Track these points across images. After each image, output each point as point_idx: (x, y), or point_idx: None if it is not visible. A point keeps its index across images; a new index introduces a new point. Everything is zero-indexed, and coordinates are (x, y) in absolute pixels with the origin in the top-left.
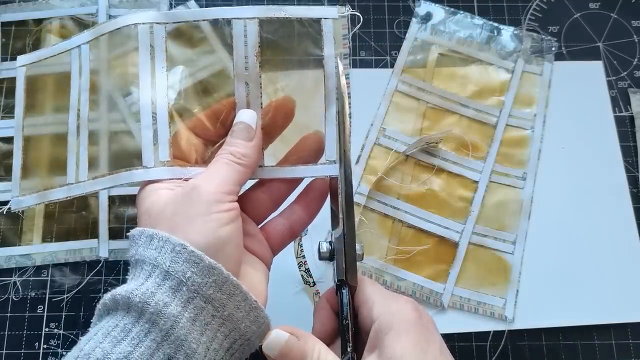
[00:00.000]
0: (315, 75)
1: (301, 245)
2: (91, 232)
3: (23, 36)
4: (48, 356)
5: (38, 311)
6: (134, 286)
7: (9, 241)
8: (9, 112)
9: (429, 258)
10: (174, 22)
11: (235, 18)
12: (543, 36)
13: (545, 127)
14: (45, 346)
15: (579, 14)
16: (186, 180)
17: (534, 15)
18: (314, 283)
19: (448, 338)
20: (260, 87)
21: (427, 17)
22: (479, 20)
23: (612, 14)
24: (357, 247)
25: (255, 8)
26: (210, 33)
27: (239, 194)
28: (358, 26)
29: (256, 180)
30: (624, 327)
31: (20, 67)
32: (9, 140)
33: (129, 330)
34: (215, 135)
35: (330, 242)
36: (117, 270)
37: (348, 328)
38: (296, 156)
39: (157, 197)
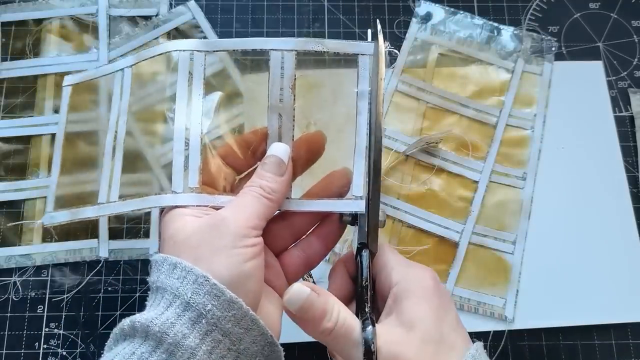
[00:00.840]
0: (348, 110)
1: None
2: (91, 232)
3: (23, 36)
4: (48, 356)
5: (38, 311)
6: (154, 315)
7: (9, 241)
8: (9, 112)
9: (429, 258)
10: (214, 51)
11: (273, 49)
12: (543, 36)
13: (545, 127)
14: (45, 346)
15: (579, 14)
16: (213, 208)
17: (534, 15)
18: (314, 283)
19: None
20: (293, 120)
21: (427, 17)
22: (479, 20)
23: (612, 14)
24: (380, 213)
25: (294, 40)
26: (209, 33)
27: None
28: (395, 63)
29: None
30: (624, 327)
31: (65, 87)
32: (9, 140)
33: (145, 359)
34: (244, 164)
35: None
36: (117, 270)
37: (367, 289)
38: (322, 190)
39: (184, 224)
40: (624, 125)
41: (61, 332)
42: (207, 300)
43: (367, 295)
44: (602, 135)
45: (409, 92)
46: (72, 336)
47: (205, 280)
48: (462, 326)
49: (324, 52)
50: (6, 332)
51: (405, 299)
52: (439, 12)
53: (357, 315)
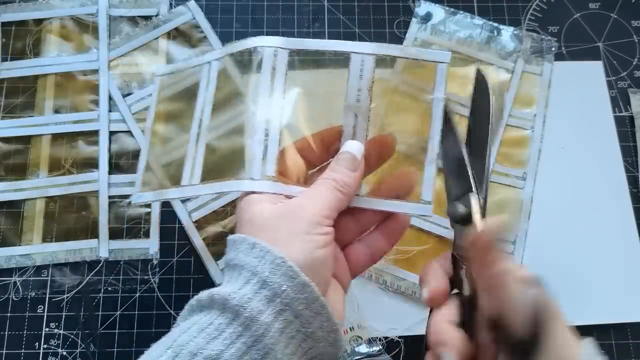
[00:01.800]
0: (422, 116)
1: None
2: (91, 232)
3: (23, 36)
4: (48, 356)
5: (38, 311)
6: (231, 289)
7: (9, 241)
8: (9, 112)
9: (429, 258)
10: (297, 49)
11: (353, 52)
12: (543, 36)
13: (545, 127)
14: (45, 346)
15: (579, 14)
16: (287, 197)
17: (533, 15)
18: None
19: None
20: (369, 121)
21: (427, 17)
22: (479, 21)
23: (612, 14)
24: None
25: (374, 45)
26: (210, 33)
27: None
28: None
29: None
30: (624, 327)
31: (156, 77)
32: (9, 140)
33: (222, 330)
34: (318, 158)
35: (466, 205)
36: (117, 270)
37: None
38: (387, 189)
39: (262, 209)
40: (624, 125)
41: (61, 332)
42: (283, 281)
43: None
44: (602, 135)
45: (409, 92)
46: (72, 336)
47: (282, 262)
48: None
49: (402, 57)
50: (6, 332)
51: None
52: (439, 12)
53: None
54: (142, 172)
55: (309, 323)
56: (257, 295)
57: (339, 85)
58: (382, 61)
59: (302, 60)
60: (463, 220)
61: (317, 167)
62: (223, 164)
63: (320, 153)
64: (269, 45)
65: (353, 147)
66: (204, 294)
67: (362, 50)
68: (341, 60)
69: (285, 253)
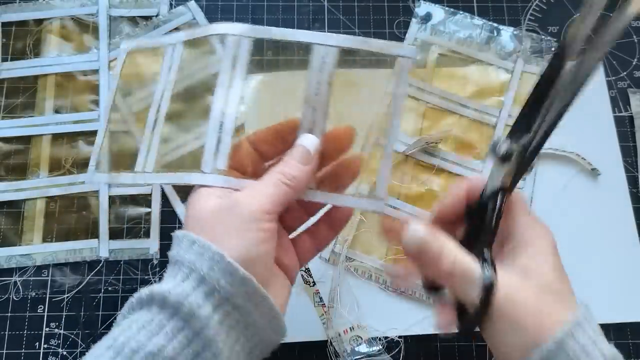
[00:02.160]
0: (381, 111)
1: None
2: (91, 232)
3: (23, 36)
4: (48, 356)
5: (38, 311)
6: (171, 285)
7: (9, 241)
8: (9, 112)
9: None
10: (260, 37)
11: (317, 44)
12: (543, 36)
13: None
14: (45, 346)
15: (578, 14)
16: (236, 191)
17: (533, 15)
18: (314, 283)
19: (448, 338)
20: (327, 115)
21: (427, 18)
22: (478, 21)
23: (612, 14)
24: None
25: (339, 37)
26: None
27: None
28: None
29: None
30: (623, 327)
31: (123, 48)
32: (9, 140)
33: (163, 325)
34: (273, 151)
35: (511, 141)
36: (117, 270)
37: (491, 233)
38: (332, 176)
39: (206, 204)
40: (624, 125)
41: (61, 332)
42: (221, 276)
43: (488, 239)
44: (602, 135)
45: (409, 92)
46: (72, 336)
47: (221, 258)
48: (572, 290)
49: (365, 50)
50: (6, 332)
51: (525, 249)
52: (438, 13)
53: (473, 245)
54: (97, 152)
55: (249, 313)
56: (196, 291)
57: (300, 78)
58: (383, 62)
59: (263, 61)
60: (503, 159)
61: (273, 160)
62: (186, 155)
63: (276, 146)
64: (233, 34)
65: (307, 141)
66: (143, 292)
67: (326, 42)
68: (304, 53)
69: (223, 248)
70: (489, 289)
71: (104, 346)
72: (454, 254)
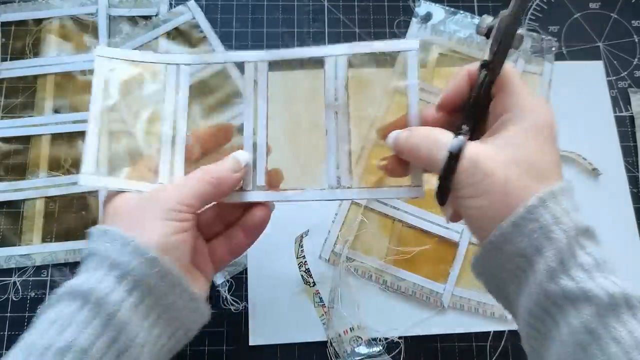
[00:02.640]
0: (399, 103)
1: (301, 246)
2: None
3: (23, 36)
4: None
5: (38, 311)
6: (84, 277)
7: (9, 241)
8: (9, 112)
9: (429, 258)
10: (275, 59)
11: (327, 56)
12: (543, 36)
13: None
14: None
15: (579, 14)
16: None
17: (534, 15)
18: (314, 283)
19: (448, 338)
20: (349, 116)
21: (427, 17)
22: (478, 20)
23: (612, 14)
24: (521, 31)
25: (345, 45)
26: (210, 33)
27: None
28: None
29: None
30: None
31: (101, 58)
32: (9, 140)
33: (74, 316)
34: (212, 148)
35: (493, 18)
36: None
37: (471, 108)
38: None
39: (122, 199)
40: (624, 125)
41: None
42: (131, 259)
43: (469, 112)
44: (602, 135)
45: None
46: None
47: (131, 241)
48: (560, 167)
49: (373, 53)
50: (6, 332)
51: (514, 124)
52: (439, 12)
53: (459, 126)
54: (94, 152)
55: (166, 295)
56: (107, 277)
57: (317, 86)
58: (384, 61)
59: (278, 61)
60: (485, 34)
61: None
62: None
63: (214, 143)
64: (249, 60)
65: (242, 156)
66: (59, 289)
67: (335, 53)
68: (317, 63)
69: (139, 236)
70: (452, 155)
71: (17, 348)
72: (424, 132)
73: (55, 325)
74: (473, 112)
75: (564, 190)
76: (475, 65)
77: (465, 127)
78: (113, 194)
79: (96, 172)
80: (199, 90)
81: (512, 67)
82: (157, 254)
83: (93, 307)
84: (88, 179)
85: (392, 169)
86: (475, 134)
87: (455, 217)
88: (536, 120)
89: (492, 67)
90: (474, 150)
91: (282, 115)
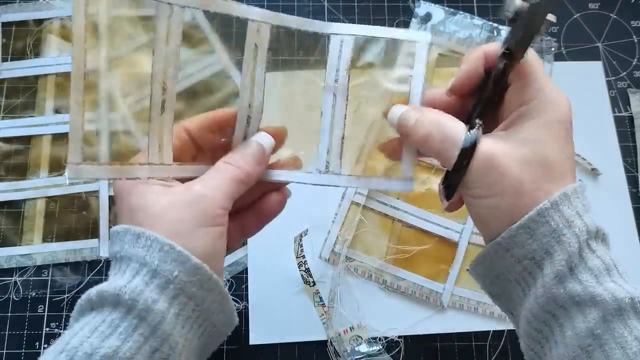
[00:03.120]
0: (400, 91)
1: (301, 245)
2: (91, 232)
3: (23, 36)
4: None
5: (38, 311)
6: (122, 283)
7: (9, 241)
8: (9, 112)
9: (428, 258)
10: (279, 25)
11: (333, 34)
12: (543, 36)
13: None
14: (45, 346)
15: (578, 14)
16: (177, 179)
17: None
18: (314, 283)
19: (448, 338)
20: (347, 100)
21: (427, 18)
22: (478, 21)
23: (611, 14)
24: (550, 16)
25: (355, 26)
26: (210, 33)
27: None
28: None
29: None
30: None
31: None
32: (9, 140)
33: (117, 325)
34: (207, 140)
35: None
36: None
37: (487, 101)
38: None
39: (157, 197)
40: (624, 125)
41: (62, 332)
42: (174, 267)
43: (482, 107)
44: (601, 135)
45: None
46: None
47: (171, 248)
48: (574, 166)
49: (381, 38)
50: (6, 332)
51: (531, 118)
52: (438, 13)
53: (470, 117)
54: (80, 135)
55: (203, 300)
56: (149, 286)
57: (317, 74)
58: (392, 52)
59: (279, 61)
60: (512, 19)
61: (211, 149)
62: None
63: (211, 135)
64: (253, 19)
65: (266, 141)
66: (92, 292)
67: (343, 31)
68: (320, 45)
69: (186, 245)
70: (465, 152)
71: (56, 351)
72: (435, 119)
73: (97, 332)
74: (488, 101)
75: (577, 191)
76: (492, 46)
77: (479, 121)
78: (129, 186)
79: (86, 161)
80: (198, 91)
81: (533, 53)
82: (199, 261)
83: (137, 316)
84: (77, 170)
85: (394, 151)
86: (487, 123)
87: (452, 207)
88: (557, 115)
89: (514, 54)
90: (489, 147)
91: (278, 92)
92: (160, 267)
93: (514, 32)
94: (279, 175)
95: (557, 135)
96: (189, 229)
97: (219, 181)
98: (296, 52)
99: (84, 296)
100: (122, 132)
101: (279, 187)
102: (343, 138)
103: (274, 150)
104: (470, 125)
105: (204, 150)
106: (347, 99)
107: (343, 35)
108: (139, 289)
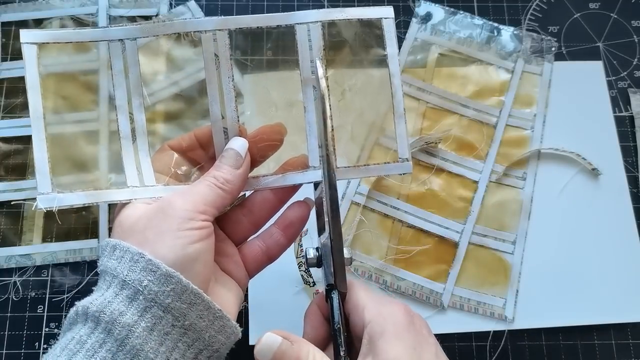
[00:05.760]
0: (381, 74)
1: (301, 246)
2: (91, 232)
3: None
4: None
5: (38, 311)
6: (94, 297)
7: (9, 241)
8: (9, 112)
9: (429, 258)
10: (237, 28)
11: (297, 23)
12: (543, 36)
13: (545, 127)
14: (45, 346)
15: (579, 14)
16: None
17: (533, 15)
18: (314, 283)
19: (448, 338)
20: (328, 90)
21: (427, 17)
22: (478, 21)
23: (612, 14)
24: (346, 251)
25: (317, 12)
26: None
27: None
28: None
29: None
30: (624, 327)
31: (28, 45)
32: (9, 140)
33: (84, 341)
34: (197, 157)
35: (317, 248)
36: None
37: (340, 332)
38: (259, 146)
39: (133, 210)
40: (624, 125)
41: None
42: (143, 276)
43: (340, 339)
44: (602, 135)
45: (409, 92)
46: None
47: (141, 257)
48: (443, 357)
49: (348, 20)
50: (6, 332)
51: (380, 339)
52: (439, 12)
53: (335, 357)
54: (47, 167)
55: (184, 315)
56: (118, 297)
57: (292, 72)
58: (370, 33)
59: (263, 61)
60: (316, 264)
61: (198, 166)
62: None
63: (198, 151)
64: (206, 30)
65: (237, 144)
66: (71, 310)
67: (306, 20)
68: (288, 37)
69: (153, 252)
70: None
71: None
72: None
73: (66, 350)
74: (343, 338)
75: None
76: (319, 296)
77: (343, 354)
78: (121, 205)
79: (56, 189)
80: (198, 89)
81: (353, 282)
82: (171, 269)
83: (103, 331)
84: (47, 199)
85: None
86: (350, 344)
87: None
88: (397, 325)
89: (336, 285)
90: None
91: (252, 96)
92: (129, 276)
93: (326, 272)
94: (273, 182)
95: (409, 346)
96: (155, 235)
97: (192, 189)
98: (265, 52)
99: (69, 311)
100: (89, 159)
101: (292, 192)
102: (332, 130)
103: (272, 149)
104: None
105: (203, 165)
106: (328, 89)
107: (308, 23)
108: (107, 301)
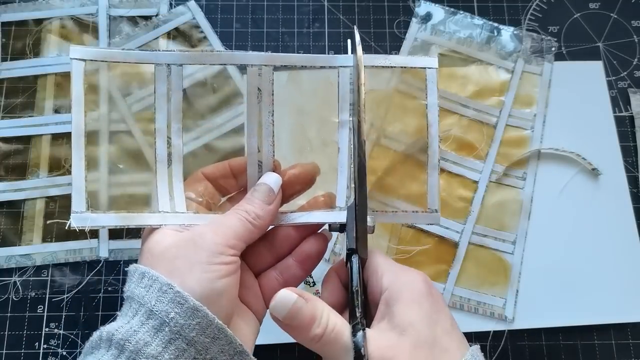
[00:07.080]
0: (421, 116)
1: None
2: (91, 232)
3: (23, 36)
4: (48, 356)
5: (38, 311)
6: (120, 324)
7: (9, 241)
8: (9, 112)
9: (429, 258)
10: (281, 65)
11: (342, 66)
12: (543, 36)
13: (545, 127)
14: (45, 346)
15: (579, 14)
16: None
17: (534, 15)
18: (314, 283)
19: None
20: (364, 135)
21: (427, 17)
22: (478, 21)
23: (612, 14)
24: (369, 219)
25: (363, 57)
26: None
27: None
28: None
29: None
30: (624, 327)
31: (77, 61)
32: (9, 140)
33: None
34: (228, 185)
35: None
36: (117, 270)
37: (357, 295)
38: (290, 186)
39: (163, 237)
40: (624, 125)
41: (61, 332)
42: (170, 308)
43: (357, 301)
44: (602, 135)
45: (409, 92)
46: (72, 336)
47: (170, 288)
48: (457, 330)
49: (391, 67)
50: (6, 332)
51: (397, 304)
52: (439, 12)
53: (349, 322)
54: (84, 186)
55: (206, 349)
56: (144, 327)
57: (328, 94)
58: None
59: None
60: (340, 229)
61: (230, 195)
62: None
63: (230, 180)
64: (252, 64)
65: (271, 180)
66: (95, 333)
67: (350, 64)
68: (331, 77)
69: (182, 284)
70: (359, 354)
71: None
72: (326, 319)
73: None
74: (360, 300)
75: None
76: (339, 262)
77: (359, 314)
78: (150, 230)
79: (90, 209)
80: (198, 91)
81: (374, 249)
82: (199, 303)
83: (127, 359)
84: (80, 218)
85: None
86: (366, 308)
87: None
88: (415, 293)
89: (357, 250)
90: (379, 343)
91: (289, 131)
92: (156, 307)
93: (348, 236)
94: (298, 218)
95: (426, 311)
96: (184, 266)
97: (225, 221)
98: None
99: (94, 333)
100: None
101: (315, 230)
102: (365, 94)
103: (304, 187)
104: (353, 323)
105: (234, 196)
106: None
107: (351, 67)
108: (132, 330)
